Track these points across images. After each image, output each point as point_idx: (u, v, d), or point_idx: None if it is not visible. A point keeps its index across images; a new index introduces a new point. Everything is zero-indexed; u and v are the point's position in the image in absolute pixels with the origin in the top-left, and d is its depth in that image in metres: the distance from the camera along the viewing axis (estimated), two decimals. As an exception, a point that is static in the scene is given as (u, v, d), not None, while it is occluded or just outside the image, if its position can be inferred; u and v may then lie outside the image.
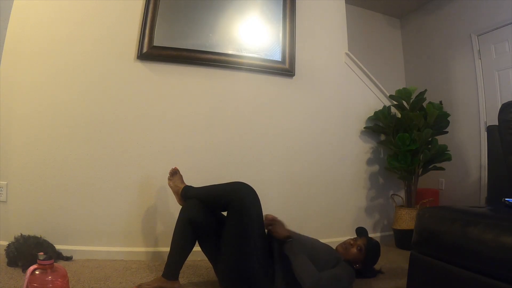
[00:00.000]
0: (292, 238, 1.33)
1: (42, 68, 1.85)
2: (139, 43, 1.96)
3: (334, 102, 2.44)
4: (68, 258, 1.68)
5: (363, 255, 1.49)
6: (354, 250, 1.48)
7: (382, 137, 2.60)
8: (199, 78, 2.08)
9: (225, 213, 1.38)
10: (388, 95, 2.63)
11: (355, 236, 1.60)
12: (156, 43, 1.98)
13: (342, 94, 2.48)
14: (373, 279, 1.60)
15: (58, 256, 1.66)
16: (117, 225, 1.85)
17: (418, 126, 2.34)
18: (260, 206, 1.37)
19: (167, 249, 1.39)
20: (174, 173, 1.65)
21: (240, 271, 1.28)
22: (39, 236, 1.64)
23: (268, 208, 2.14)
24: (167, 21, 2.02)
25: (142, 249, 1.86)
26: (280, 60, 2.25)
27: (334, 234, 2.26)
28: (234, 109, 2.14)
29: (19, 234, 1.59)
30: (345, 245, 1.51)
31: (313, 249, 1.39)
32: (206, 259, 1.46)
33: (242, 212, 1.30)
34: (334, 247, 1.53)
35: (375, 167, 2.57)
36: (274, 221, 1.37)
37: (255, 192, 1.37)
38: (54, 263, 1.03)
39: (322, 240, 1.61)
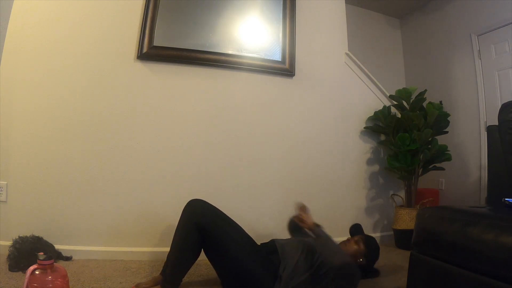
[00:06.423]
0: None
1: (42, 68, 1.85)
2: (139, 43, 1.96)
3: (334, 102, 2.44)
4: (68, 258, 1.68)
5: (362, 249, 1.53)
6: (352, 244, 1.54)
7: (382, 137, 2.60)
8: (199, 78, 2.08)
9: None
10: (388, 95, 2.63)
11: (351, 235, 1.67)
12: (156, 43, 1.98)
13: (342, 94, 2.48)
14: (373, 279, 1.60)
15: (58, 256, 1.66)
16: (117, 225, 1.85)
17: (418, 126, 2.34)
18: (211, 209, 1.34)
19: (168, 249, 1.36)
20: None
21: (243, 278, 1.28)
22: (39, 236, 1.63)
23: (268, 208, 2.17)
24: (167, 21, 2.02)
25: (142, 249, 1.86)
26: (280, 60, 2.25)
27: (334, 234, 2.22)
28: (234, 109, 2.14)
29: (17, 236, 1.57)
30: (343, 242, 1.57)
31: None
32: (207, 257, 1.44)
33: (206, 231, 1.25)
34: None
35: (375, 167, 2.57)
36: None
37: (193, 205, 1.33)
38: (54, 263, 1.03)
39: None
